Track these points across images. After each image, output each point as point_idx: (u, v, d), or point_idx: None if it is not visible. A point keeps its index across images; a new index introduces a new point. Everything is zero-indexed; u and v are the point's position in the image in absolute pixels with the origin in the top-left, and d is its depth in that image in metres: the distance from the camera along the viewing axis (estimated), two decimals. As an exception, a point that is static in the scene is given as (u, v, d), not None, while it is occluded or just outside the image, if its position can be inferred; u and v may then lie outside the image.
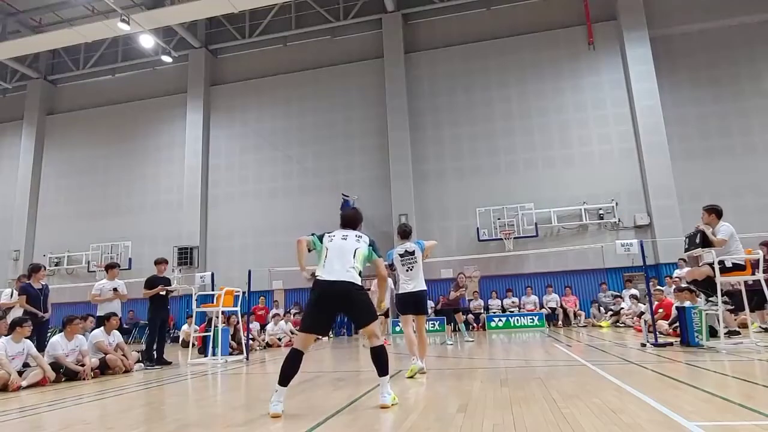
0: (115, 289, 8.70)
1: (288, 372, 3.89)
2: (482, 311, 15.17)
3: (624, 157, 15.81)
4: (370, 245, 4.43)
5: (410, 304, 6.08)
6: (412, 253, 6.11)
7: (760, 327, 8.99)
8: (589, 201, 15.68)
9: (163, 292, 8.92)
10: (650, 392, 3.89)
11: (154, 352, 8.72)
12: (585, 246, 14.92)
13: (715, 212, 7.06)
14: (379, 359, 4.02)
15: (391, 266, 6.21)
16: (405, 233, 6.33)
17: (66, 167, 21.19)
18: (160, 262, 9.22)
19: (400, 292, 6.17)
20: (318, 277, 4.14)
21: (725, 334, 6.98)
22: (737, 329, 8.04)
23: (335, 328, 16.29)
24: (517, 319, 14.29)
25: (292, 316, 14.20)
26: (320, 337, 8.91)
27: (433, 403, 4.13)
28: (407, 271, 6.09)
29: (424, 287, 6.13)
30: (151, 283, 8.91)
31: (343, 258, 4.18)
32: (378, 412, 3.83)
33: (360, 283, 4.16)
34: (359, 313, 4.15)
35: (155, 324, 8.83)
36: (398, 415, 3.69)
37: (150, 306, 8.91)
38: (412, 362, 5.78)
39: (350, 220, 4.60)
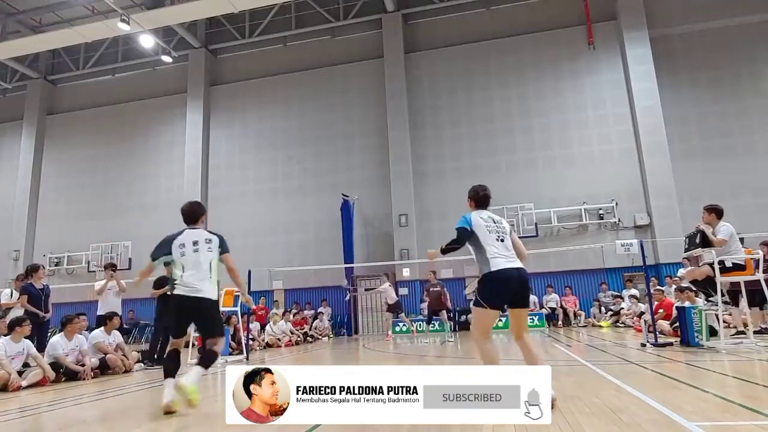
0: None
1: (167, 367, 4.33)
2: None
3: (624, 157, 15.80)
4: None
5: (513, 288, 3.76)
6: (500, 222, 4.12)
7: (760, 327, 8.98)
8: (589, 201, 15.68)
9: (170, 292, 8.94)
10: (650, 392, 3.89)
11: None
12: (585, 246, 14.91)
13: (715, 212, 7.06)
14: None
15: (457, 241, 3.99)
16: (486, 200, 4.27)
17: (66, 167, 21.18)
18: (171, 263, 9.23)
19: (496, 268, 3.78)
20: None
21: (732, 334, 6.98)
22: (744, 329, 8.04)
23: (335, 328, 16.30)
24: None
25: (291, 316, 14.19)
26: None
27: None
28: (501, 242, 3.94)
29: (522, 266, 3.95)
30: (161, 283, 8.93)
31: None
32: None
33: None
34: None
35: (162, 324, 8.84)
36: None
37: (158, 306, 8.93)
38: None
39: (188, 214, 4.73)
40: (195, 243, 4.49)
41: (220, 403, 4.86)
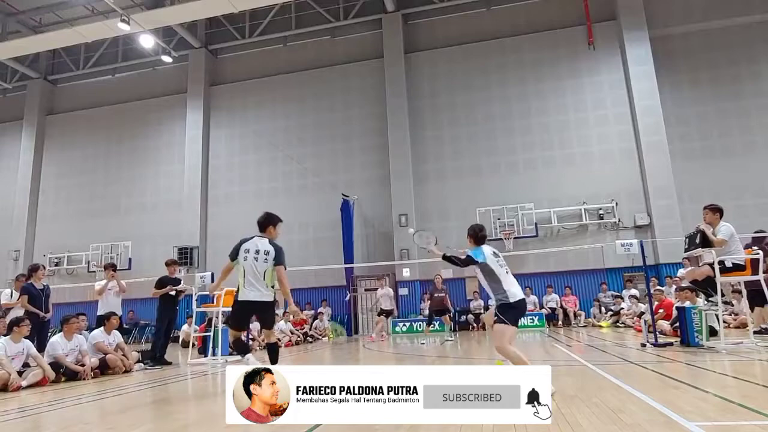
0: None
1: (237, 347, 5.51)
2: (482, 311, 15.15)
3: (624, 157, 15.80)
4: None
5: (523, 311, 4.76)
6: (499, 256, 4.84)
7: (761, 327, 8.99)
8: (589, 201, 15.68)
9: (173, 292, 8.96)
10: (650, 392, 3.89)
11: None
12: (585, 246, 14.91)
13: (716, 211, 7.05)
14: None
15: (461, 263, 4.75)
16: (484, 239, 4.94)
17: (66, 167, 21.18)
18: (172, 263, 9.28)
19: (515, 299, 4.60)
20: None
21: (755, 332, 6.97)
22: (764, 327, 8.08)
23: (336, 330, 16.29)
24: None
25: (291, 316, 14.18)
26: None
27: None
28: (508, 274, 4.69)
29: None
30: (162, 283, 8.95)
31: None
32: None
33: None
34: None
35: (163, 324, 8.86)
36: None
37: (159, 306, 8.95)
38: None
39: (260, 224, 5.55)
40: (257, 252, 5.21)
41: (220, 403, 4.86)
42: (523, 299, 4.69)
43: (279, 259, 5.19)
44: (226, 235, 18.60)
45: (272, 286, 5.24)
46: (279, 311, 14.47)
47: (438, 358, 8.12)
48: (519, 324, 4.73)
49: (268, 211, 5.58)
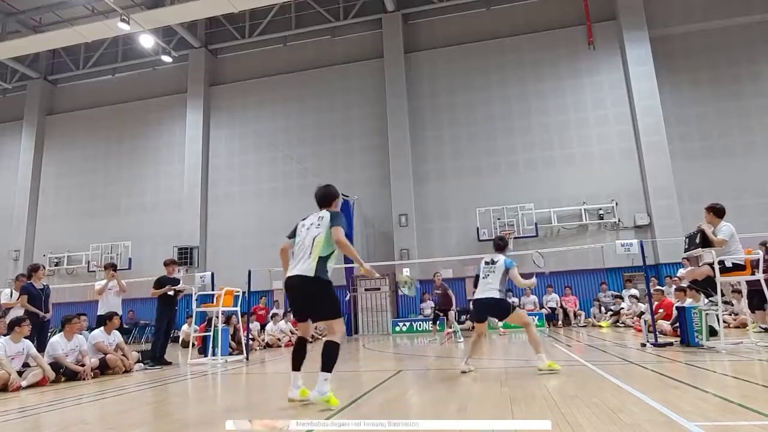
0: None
1: (293, 358, 4.28)
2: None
3: (624, 157, 15.80)
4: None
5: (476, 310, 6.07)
6: (495, 262, 5.95)
7: (760, 327, 8.99)
8: (589, 201, 15.68)
9: (171, 292, 8.95)
10: (650, 392, 3.89)
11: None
12: (585, 246, 14.90)
13: (717, 211, 7.04)
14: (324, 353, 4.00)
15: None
16: (498, 246, 6.20)
17: (66, 167, 21.19)
18: (170, 263, 9.26)
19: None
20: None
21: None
22: (764, 327, 8.07)
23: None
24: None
25: (291, 316, 14.18)
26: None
27: (433, 403, 4.13)
28: (482, 278, 5.97)
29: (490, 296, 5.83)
30: (161, 283, 8.95)
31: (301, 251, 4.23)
32: (378, 412, 3.82)
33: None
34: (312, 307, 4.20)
35: (163, 324, 8.86)
36: (398, 415, 3.68)
37: (158, 306, 8.94)
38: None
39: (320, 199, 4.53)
40: (311, 224, 4.32)
41: (220, 403, 4.86)
42: (476, 300, 5.95)
43: (335, 221, 4.18)
44: (226, 235, 18.66)
45: (325, 260, 4.10)
46: (279, 311, 14.50)
47: (438, 358, 8.11)
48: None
49: (327, 184, 4.71)
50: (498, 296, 5.74)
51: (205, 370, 7.76)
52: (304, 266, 4.06)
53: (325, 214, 4.29)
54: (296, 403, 4.02)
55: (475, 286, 6.08)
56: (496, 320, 11.35)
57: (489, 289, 5.79)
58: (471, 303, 6.17)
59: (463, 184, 16.86)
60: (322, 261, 4.07)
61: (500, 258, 5.98)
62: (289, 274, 4.15)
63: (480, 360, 6.60)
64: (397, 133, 17.30)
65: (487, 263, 6.02)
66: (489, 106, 17.20)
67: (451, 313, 12.25)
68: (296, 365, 4.20)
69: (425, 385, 5.15)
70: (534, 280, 6.25)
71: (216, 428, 3.56)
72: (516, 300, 14.77)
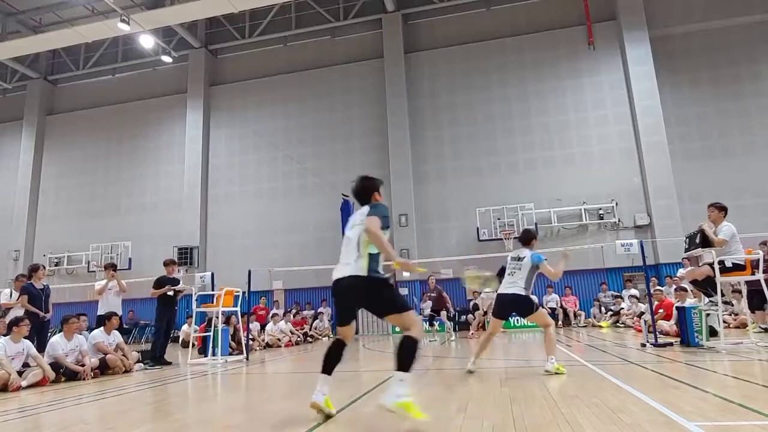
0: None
1: (326, 359, 3.71)
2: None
3: (624, 157, 15.80)
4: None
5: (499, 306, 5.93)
6: (521, 259, 5.81)
7: (759, 327, 9.00)
8: (589, 201, 15.68)
9: (171, 292, 8.96)
10: (650, 392, 3.89)
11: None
12: (585, 246, 14.89)
13: (720, 210, 7.03)
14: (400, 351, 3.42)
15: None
16: (524, 240, 6.06)
17: (66, 167, 21.19)
18: (170, 263, 9.27)
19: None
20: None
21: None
22: (763, 327, 8.06)
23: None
24: (517, 320, 14.26)
25: (291, 316, 14.19)
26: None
27: (433, 403, 4.13)
28: (508, 274, 5.85)
29: (514, 291, 5.74)
30: (160, 283, 8.96)
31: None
32: (378, 412, 3.82)
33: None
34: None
35: (162, 324, 8.86)
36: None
37: (157, 306, 8.95)
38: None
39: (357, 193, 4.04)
40: (353, 223, 3.91)
41: (220, 403, 4.86)
42: (500, 295, 5.87)
43: (372, 211, 3.74)
44: (226, 235, 18.66)
45: (377, 256, 3.69)
46: (279, 311, 14.50)
47: (437, 359, 8.11)
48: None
49: (363, 176, 4.12)
50: (523, 293, 5.65)
51: (205, 370, 7.76)
52: (355, 266, 3.66)
53: (367, 208, 3.86)
54: (319, 411, 3.54)
55: (499, 275, 5.86)
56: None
57: (514, 285, 5.69)
58: (494, 300, 6.07)
59: (463, 184, 16.86)
60: (373, 258, 3.67)
61: (527, 253, 5.78)
62: (337, 276, 3.75)
63: (480, 360, 6.59)
64: (397, 133, 17.30)
65: (513, 259, 5.88)
66: (489, 106, 17.20)
67: (444, 313, 12.71)
68: (327, 368, 3.64)
69: (425, 385, 5.14)
70: (562, 266, 5.95)
71: (216, 428, 3.56)
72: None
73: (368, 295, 3.66)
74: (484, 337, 6.06)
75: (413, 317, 3.64)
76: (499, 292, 5.85)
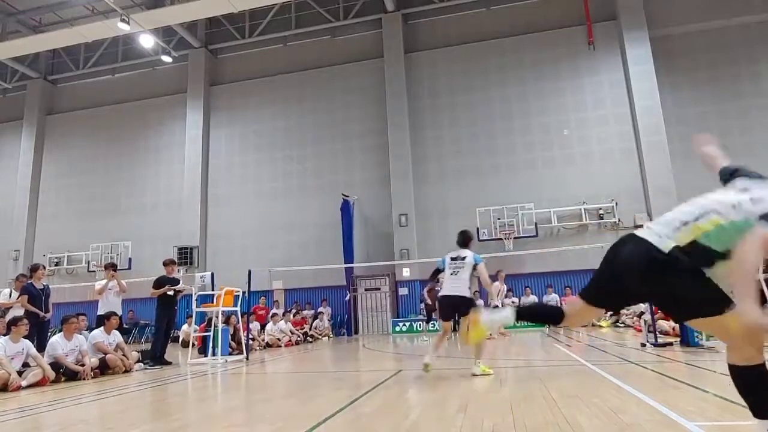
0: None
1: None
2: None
3: (624, 157, 15.80)
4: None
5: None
6: (463, 258, 6.08)
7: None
8: (588, 201, 15.68)
9: (171, 292, 8.96)
10: (650, 392, 3.89)
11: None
12: (585, 246, 14.87)
13: None
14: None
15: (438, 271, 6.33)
16: (463, 241, 6.32)
17: (66, 167, 21.18)
18: (169, 263, 9.27)
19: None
20: None
21: None
22: None
23: (335, 328, 16.30)
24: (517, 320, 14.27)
25: (291, 316, 14.18)
26: None
27: (433, 403, 4.13)
28: (450, 274, 6.06)
29: (459, 293, 5.98)
30: (160, 283, 8.96)
31: None
32: (378, 412, 3.82)
33: None
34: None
35: (162, 324, 8.86)
36: (398, 415, 3.68)
37: (157, 306, 8.95)
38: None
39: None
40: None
41: (220, 403, 4.86)
42: (443, 296, 6.07)
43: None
44: (226, 235, 18.66)
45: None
46: (278, 311, 14.51)
47: (437, 358, 8.10)
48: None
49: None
50: (468, 295, 5.88)
51: (205, 370, 7.76)
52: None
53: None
54: None
55: (432, 278, 6.31)
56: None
57: (460, 286, 5.88)
58: (437, 301, 6.35)
59: (463, 184, 16.86)
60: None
61: (468, 253, 6.03)
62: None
63: (472, 359, 6.58)
64: (397, 133, 17.30)
65: (453, 259, 6.08)
66: (489, 106, 17.20)
67: (435, 314, 13.00)
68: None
69: (425, 385, 5.14)
70: (498, 284, 6.30)
71: (216, 428, 3.56)
72: (516, 300, 14.79)
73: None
74: (438, 338, 6.09)
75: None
76: (445, 294, 6.00)
